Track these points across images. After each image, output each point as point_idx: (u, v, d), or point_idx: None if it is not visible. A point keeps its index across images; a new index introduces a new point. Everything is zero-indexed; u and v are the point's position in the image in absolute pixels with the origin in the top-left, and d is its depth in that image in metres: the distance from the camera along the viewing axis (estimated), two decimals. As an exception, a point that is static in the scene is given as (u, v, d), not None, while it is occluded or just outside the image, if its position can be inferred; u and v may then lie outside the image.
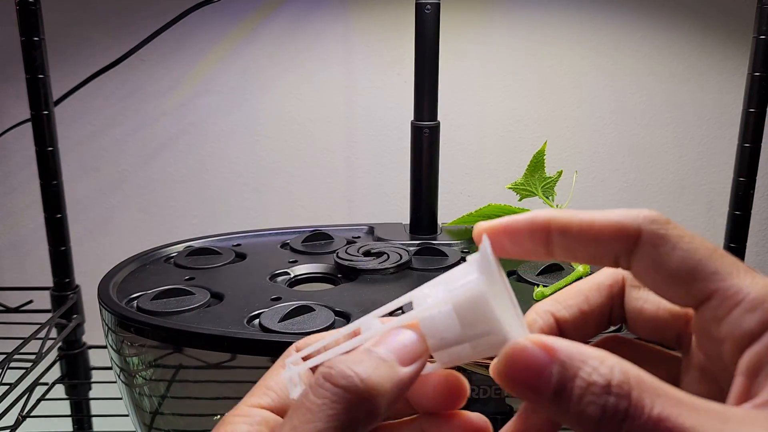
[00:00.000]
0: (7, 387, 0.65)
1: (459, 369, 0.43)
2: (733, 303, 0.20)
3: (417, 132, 0.67)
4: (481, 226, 0.24)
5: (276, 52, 0.89)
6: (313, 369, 0.24)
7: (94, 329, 0.71)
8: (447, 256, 0.62)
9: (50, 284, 0.79)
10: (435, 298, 0.22)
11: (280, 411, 0.24)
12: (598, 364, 0.19)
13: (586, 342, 0.23)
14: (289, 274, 0.60)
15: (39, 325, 0.73)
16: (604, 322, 0.26)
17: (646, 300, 0.25)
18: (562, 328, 0.25)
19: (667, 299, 0.22)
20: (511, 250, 0.24)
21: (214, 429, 0.24)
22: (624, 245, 0.22)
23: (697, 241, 0.21)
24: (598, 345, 0.25)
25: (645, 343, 0.25)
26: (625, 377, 0.19)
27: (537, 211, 0.23)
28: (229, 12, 0.88)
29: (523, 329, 0.22)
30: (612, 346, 0.25)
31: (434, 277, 0.24)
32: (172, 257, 0.64)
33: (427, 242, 0.66)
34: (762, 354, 0.20)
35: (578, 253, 0.23)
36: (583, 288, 0.26)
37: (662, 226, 0.22)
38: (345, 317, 0.51)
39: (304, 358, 0.25)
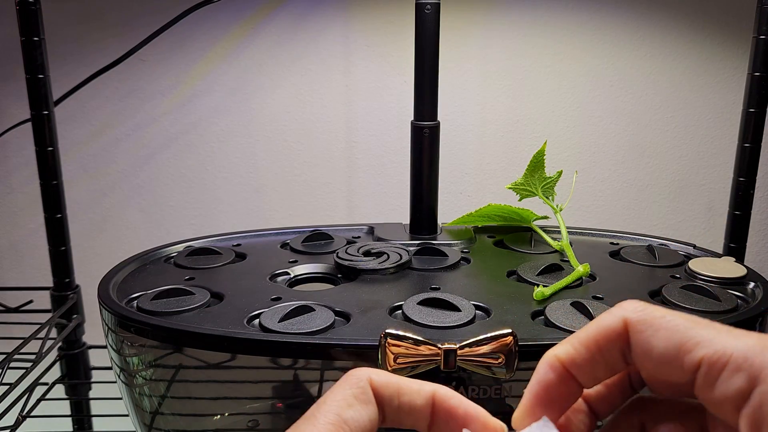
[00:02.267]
0: (7, 387, 0.65)
1: (460, 368, 0.43)
2: (719, 366, 0.22)
3: (417, 132, 0.67)
4: (519, 414, 0.26)
5: (276, 52, 0.89)
6: None
7: (94, 329, 0.71)
8: (447, 256, 0.62)
9: (50, 284, 0.79)
10: None
11: None
12: None
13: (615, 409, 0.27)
14: (289, 274, 0.60)
15: (39, 325, 0.73)
16: None
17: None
18: (587, 400, 0.27)
19: (669, 381, 0.24)
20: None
21: None
22: (622, 341, 0.24)
23: (676, 316, 0.23)
24: (625, 410, 0.27)
25: (670, 399, 0.26)
26: None
27: (547, 364, 0.25)
28: (229, 12, 0.88)
29: None
30: (638, 407, 0.27)
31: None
32: (172, 257, 0.64)
33: (427, 242, 0.65)
34: (756, 412, 0.21)
35: (599, 373, 0.25)
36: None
37: (642, 312, 0.24)
38: (345, 317, 0.51)
39: None
